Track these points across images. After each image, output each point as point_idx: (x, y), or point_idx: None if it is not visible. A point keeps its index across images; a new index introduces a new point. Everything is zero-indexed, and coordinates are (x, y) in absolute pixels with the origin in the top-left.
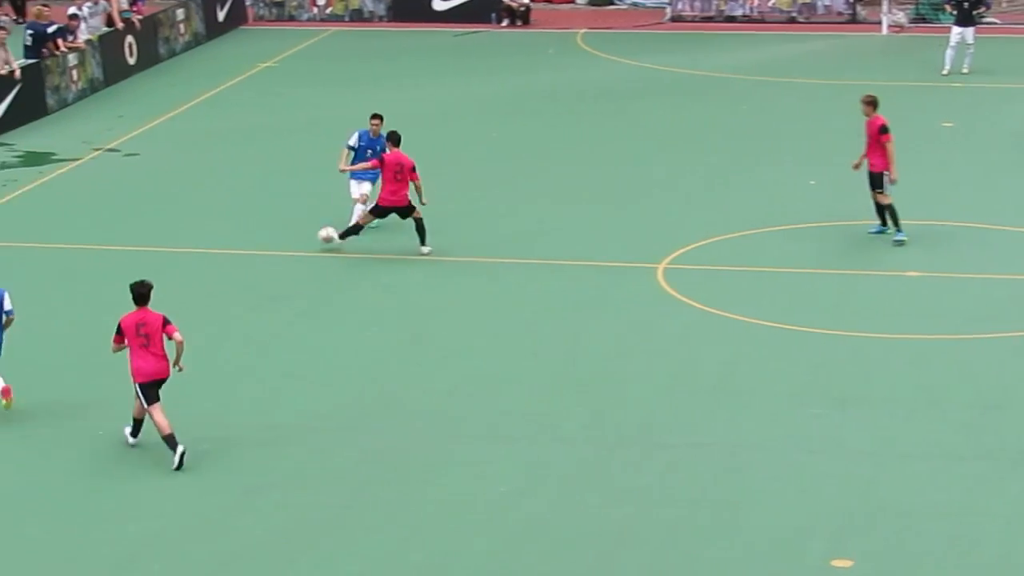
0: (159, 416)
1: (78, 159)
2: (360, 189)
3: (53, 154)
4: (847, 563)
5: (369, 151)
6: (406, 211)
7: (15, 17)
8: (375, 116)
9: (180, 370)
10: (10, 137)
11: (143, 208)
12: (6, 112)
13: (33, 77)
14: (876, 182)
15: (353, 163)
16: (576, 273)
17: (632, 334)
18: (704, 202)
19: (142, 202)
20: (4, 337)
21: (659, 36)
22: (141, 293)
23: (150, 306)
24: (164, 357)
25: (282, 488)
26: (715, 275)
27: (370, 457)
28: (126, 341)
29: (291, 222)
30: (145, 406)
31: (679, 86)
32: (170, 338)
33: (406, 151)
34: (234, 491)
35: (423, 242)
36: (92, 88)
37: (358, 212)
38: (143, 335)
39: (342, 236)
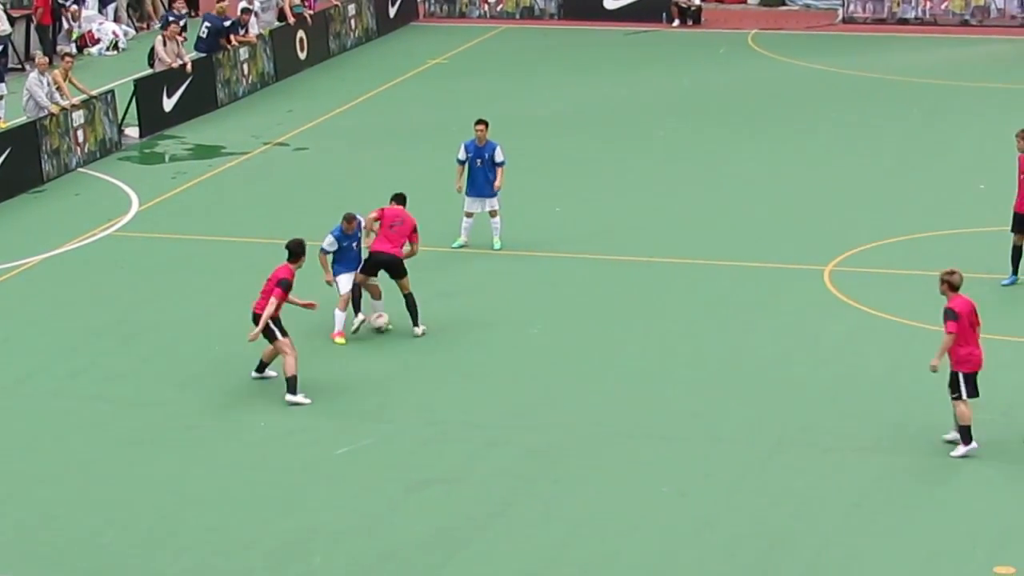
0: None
1: (247, 153)
2: (475, 206)
3: (223, 147)
4: (1010, 570)
5: (478, 160)
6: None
7: (188, 11)
8: (480, 121)
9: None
10: (180, 130)
11: (311, 202)
12: (177, 105)
13: (204, 71)
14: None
15: (468, 177)
16: (742, 274)
17: (797, 336)
18: (872, 205)
19: (310, 197)
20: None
21: (830, 38)
22: (287, 249)
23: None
24: (259, 306)
25: (444, 484)
26: (882, 278)
27: (532, 455)
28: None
29: (456, 219)
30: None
31: (850, 88)
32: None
33: (574, 149)
34: (396, 487)
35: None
36: (263, 82)
37: (466, 225)
38: (267, 281)
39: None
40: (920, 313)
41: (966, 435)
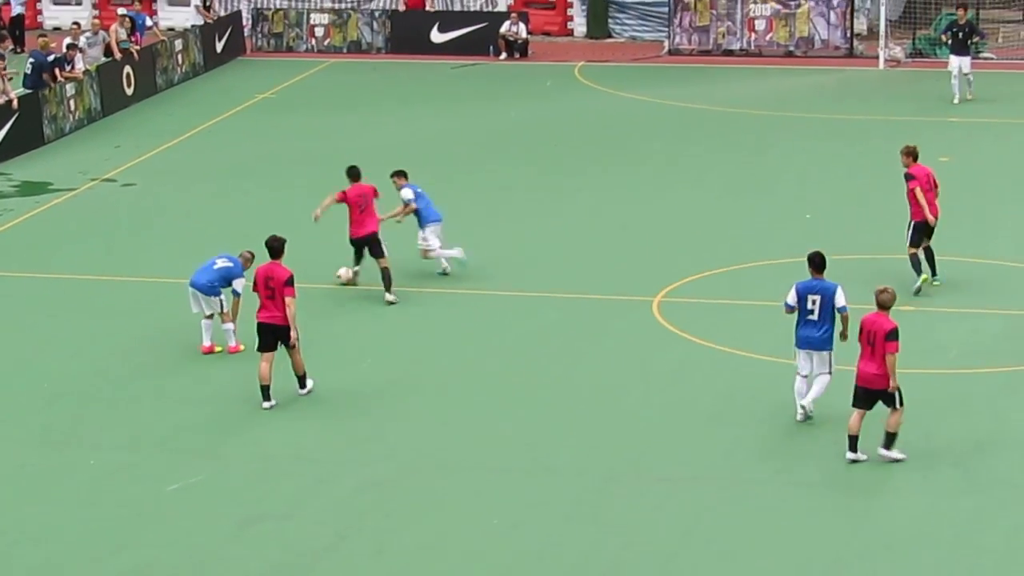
0: (263, 365)
1: (75, 189)
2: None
3: (50, 184)
4: None
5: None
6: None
7: (14, 47)
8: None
9: (292, 344)
10: (7, 167)
11: (139, 238)
12: (3, 142)
13: (31, 107)
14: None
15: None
16: (571, 306)
17: (627, 367)
18: (700, 236)
19: (138, 232)
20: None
21: (657, 69)
22: (273, 247)
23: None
24: (274, 315)
25: (276, 519)
26: (710, 308)
27: (363, 488)
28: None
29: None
30: (257, 348)
31: (676, 119)
32: (283, 298)
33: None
34: (228, 523)
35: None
36: (90, 118)
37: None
38: (270, 288)
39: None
40: (748, 342)
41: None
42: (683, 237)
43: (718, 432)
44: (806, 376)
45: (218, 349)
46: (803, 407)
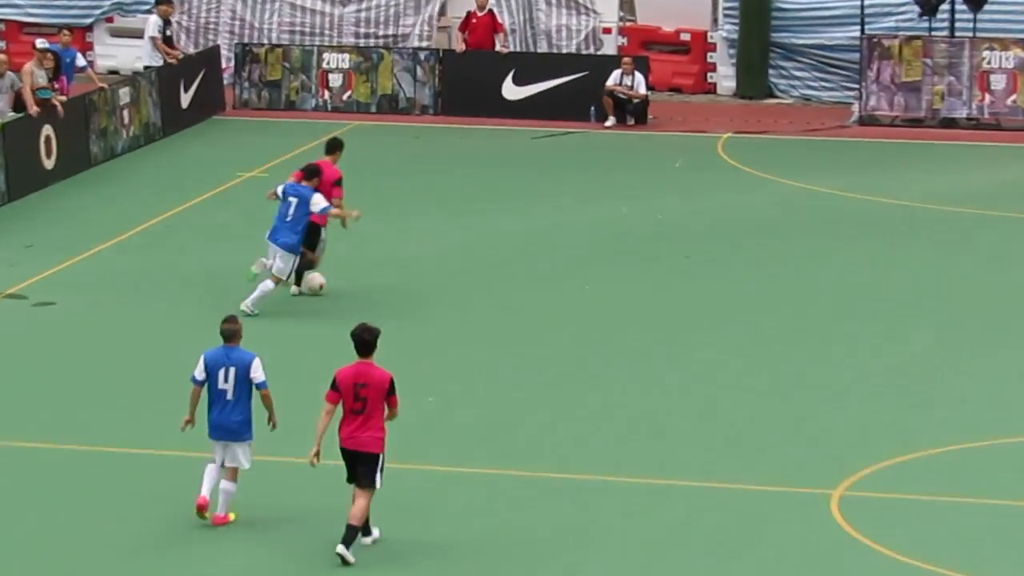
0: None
1: None
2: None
3: None
4: None
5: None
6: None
7: None
8: None
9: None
10: None
11: (61, 384)
12: None
13: None
14: None
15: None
16: (715, 498)
17: None
18: (903, 398)
19: (61, 375)
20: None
21: (840, 145)
22: (365, 340)
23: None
24: (380, 431)
25: None
26: (913, 508)
27: None
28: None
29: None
30: (348, 480)
31: (868, 221)
32: (390, 408)
33: (456, 310)
34: None
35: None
36: None
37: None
38: (360, 398)
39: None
40: (967, 559)
41: None
42: (876, 401)
43: None
44: None
45: (232, 517)
46: None
